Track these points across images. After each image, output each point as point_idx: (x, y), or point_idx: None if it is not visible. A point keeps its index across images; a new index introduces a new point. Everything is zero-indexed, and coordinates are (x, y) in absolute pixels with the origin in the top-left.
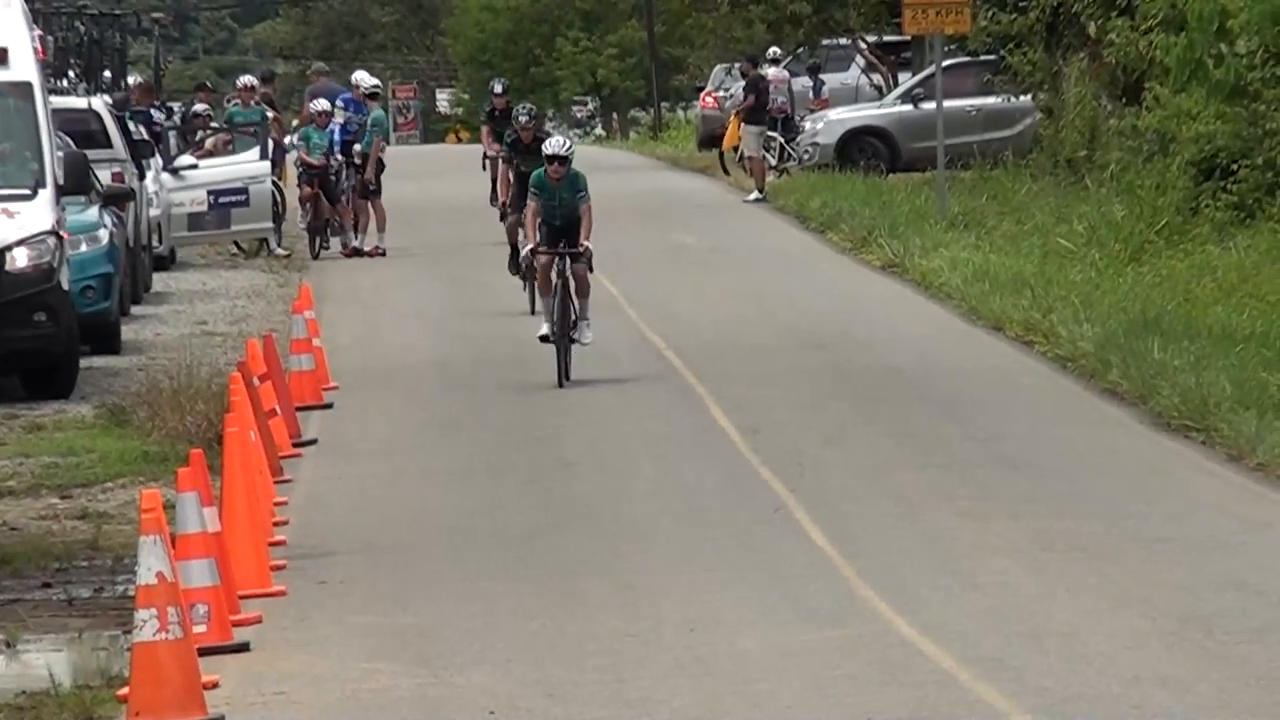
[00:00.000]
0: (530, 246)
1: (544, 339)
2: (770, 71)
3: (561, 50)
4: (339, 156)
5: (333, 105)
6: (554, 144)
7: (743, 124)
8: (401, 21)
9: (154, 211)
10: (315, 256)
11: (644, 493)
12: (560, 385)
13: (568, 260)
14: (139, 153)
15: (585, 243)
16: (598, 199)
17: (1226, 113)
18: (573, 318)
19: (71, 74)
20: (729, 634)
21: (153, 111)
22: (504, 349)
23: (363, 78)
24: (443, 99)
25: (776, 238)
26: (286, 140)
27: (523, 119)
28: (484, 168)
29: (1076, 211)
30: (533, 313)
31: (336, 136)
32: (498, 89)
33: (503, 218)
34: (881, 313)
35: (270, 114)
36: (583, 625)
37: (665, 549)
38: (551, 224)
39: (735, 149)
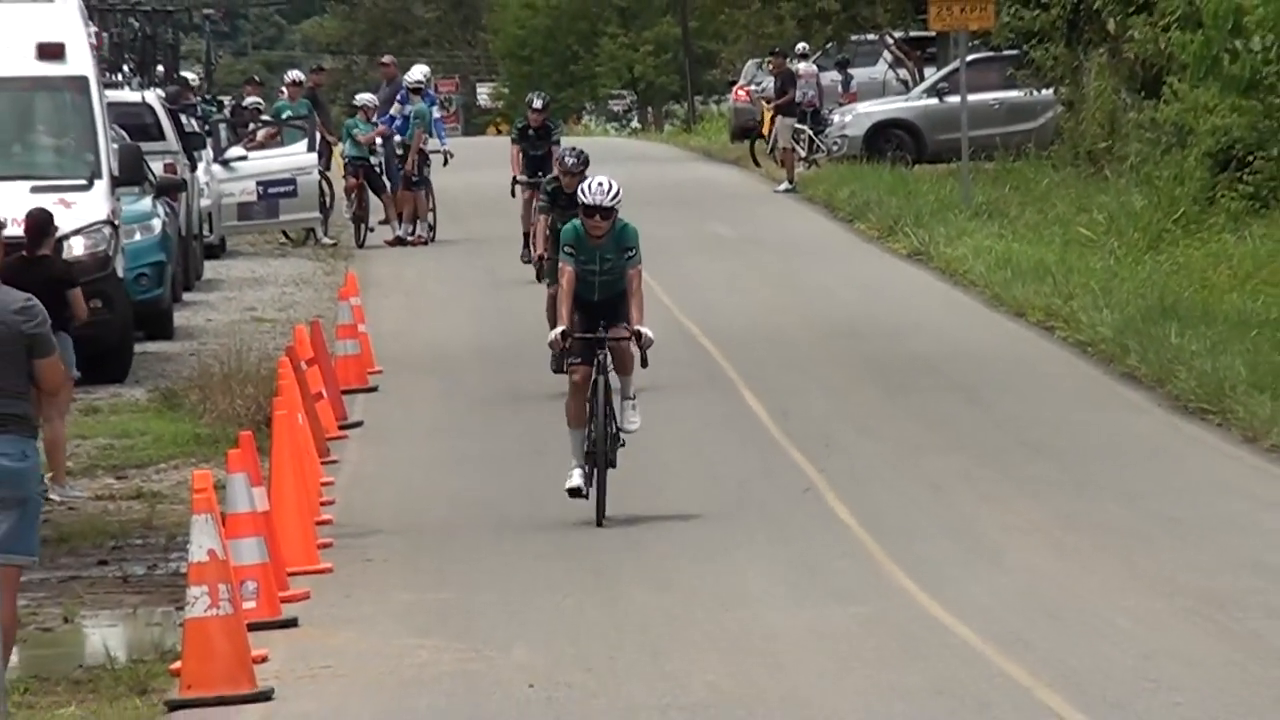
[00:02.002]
0: (561, 329)
1: (573, 493)
2: (800, 66)
3: (600, 46)
4: (398, 147)
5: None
6: (595, 190)
7: (768, 113)
8: (443, 17)
9: (205, 201)
10: (360, 245)
11: (676, 473)
12: (599, 524)
13: (608, 351)
14: (191, 145)
15: (640, 327)
16: (634, 190)
17: (1242, 106)
18: (614, 428)
19: (126, 68)
20: (759, 611)
21: (198, 106)
22: (541, 338)
23: (413, 72)
24: (483, 93)
25: (806, 227)
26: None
27: (569, 161)
28: (513, 194)
29: (1096, 201)
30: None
31: (399, 126)
32: (536, 104)
33: (539, 276)
34: (907, 300)
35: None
36: (617, 603)
37: (697, 529)
38: (587, 299)
39: (766, 139)
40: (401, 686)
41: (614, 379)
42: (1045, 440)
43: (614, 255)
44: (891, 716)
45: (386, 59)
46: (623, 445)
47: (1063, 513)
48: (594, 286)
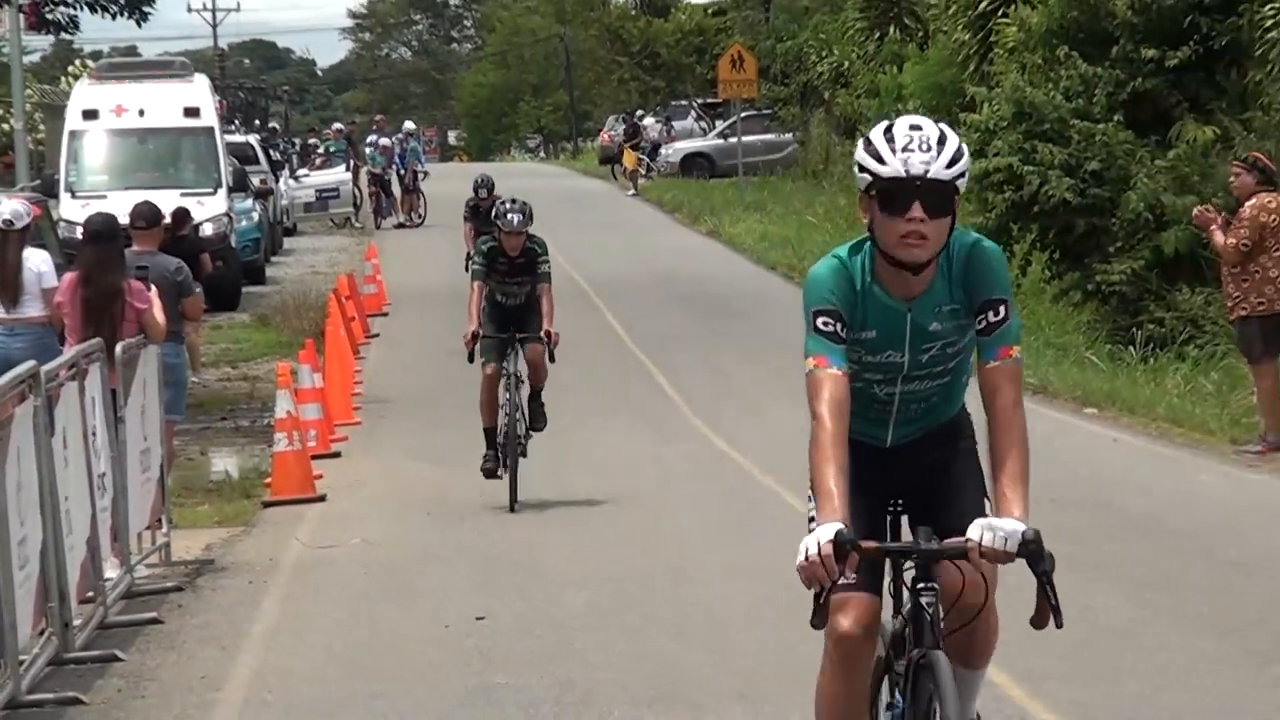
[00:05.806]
0: (833, 529)
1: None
2: (646, 121)
3: (520, 107)
4: (399, 170)
5: (393, 142)
6: None
7: (627, 150)
8: (427, 92)
9: (284, 202)
10: (377, 228)
11: (566, 363)
12: None
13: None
14: (276, 167)
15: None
16: (541, 194)
17: None
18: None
19: (236, 122)
20: (620, 447)
21: (280, 144)
22: None
23: (405, 125)
24: (452, 136)
25: (644, 217)
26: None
27: (514, 220)
28: (467, 269)
29: (818, 201)
30: (512, 509)
31: (399, 159)
32: (483, 193)
33: (471, 357)
34: (707, 261)
35: (349, 151)
36: (542, 442)
37: (581, 399)
38: (873, 443)
39: (621, 165)
40: (406, 494)
41: None
42: (787, 342)
43: (950, 323)
44: (703, 509)
45: (379, 118)
46: None
47: (800, 385)
48: (889, 411)
